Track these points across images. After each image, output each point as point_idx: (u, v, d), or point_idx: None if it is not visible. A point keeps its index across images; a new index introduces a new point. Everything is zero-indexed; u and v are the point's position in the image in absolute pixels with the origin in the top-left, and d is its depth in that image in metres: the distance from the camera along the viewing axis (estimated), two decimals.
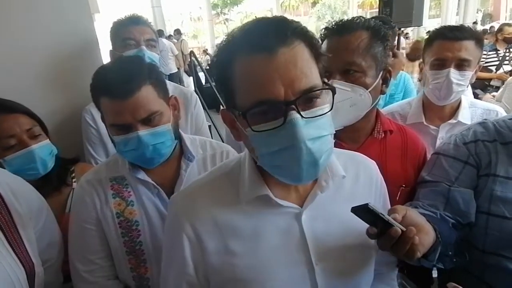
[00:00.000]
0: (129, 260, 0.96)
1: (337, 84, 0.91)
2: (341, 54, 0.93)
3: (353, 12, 19.58)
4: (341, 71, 0.94)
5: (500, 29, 3.92)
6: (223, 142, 1.66)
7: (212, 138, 1.77)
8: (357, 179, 0.78)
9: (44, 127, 1.17)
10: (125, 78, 0.84)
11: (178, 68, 8.12)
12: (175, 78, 7.60)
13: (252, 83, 0.58)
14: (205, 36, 18.25)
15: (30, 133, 1.09)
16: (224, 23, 23.18)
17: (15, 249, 0.78)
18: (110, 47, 1.48)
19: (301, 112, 0.58)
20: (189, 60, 6.18)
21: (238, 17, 22.65)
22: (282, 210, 0.70)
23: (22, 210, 0.83)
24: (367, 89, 0.94)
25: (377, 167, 0.84)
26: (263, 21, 0.60)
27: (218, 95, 4.74)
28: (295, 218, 0.71)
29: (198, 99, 1.68)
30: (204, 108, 1.79)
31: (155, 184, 0.96)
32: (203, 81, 6.89)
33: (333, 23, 0.99)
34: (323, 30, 1.00)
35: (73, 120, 1.46)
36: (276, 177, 0.65)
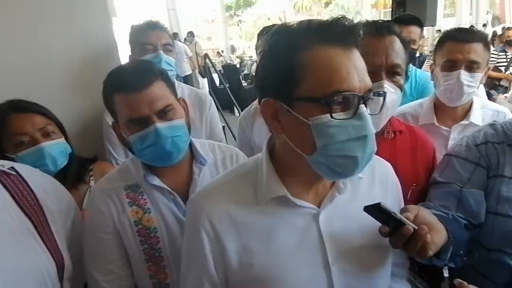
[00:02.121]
0: (149, 267, 0.97)
1: (387, 85, 0.95)
2: (389, 55, 0.96)
3: (366, 12, 19.36)
4: (387, 72, 0.96)
5: (502, 33, 4.04)
6: (236, 141, 1.71)
7: (226, 139, 1.82)
8: (373, 180, 0.80)
9: (60, 126, 1.24)
10: (139, 73, 0.88)
11: (192, 70, 8.24)
12: (190, 80, 7.72)
13: (332, 73, 0.60)
14: (219, 37, 18.40)
15: (43, 132, 1.16)
16: (238, 24, 23.30)
17: (46, 243, 0.83)
18: (128, 51, 1.56)
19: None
20: (204, 61, 6.29)
21: (251, 19, 22.73)
22: (300, 210, 0.71)
23: (53, 206, 0.88)
24: (401, 91, 1.00)
25: (392, 168, 0.85)
26: (343, 19, 0.63)
27: (231, 97, 4.82)
28: (312, 218, 0.72)
29: (212, 101, 1.73)
30: (218, 109, 1.84)
31: (170, 190, 0.97)
32: (217, 83, 6.98)
33: (369, 23, 1.01)
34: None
35: (95, 121, 1.53)
36: (326, 173, 0.65)
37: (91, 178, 1.29)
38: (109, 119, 1.47)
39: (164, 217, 0.97)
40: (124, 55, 1.68)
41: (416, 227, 0.66)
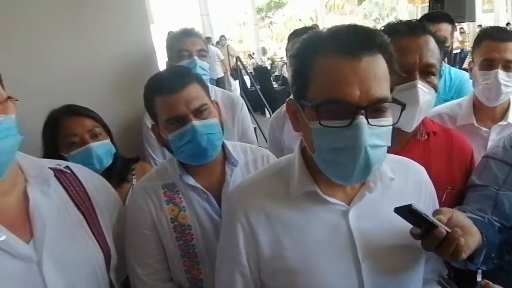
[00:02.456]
0: (184, 263, 1.02)
1: (421, 85, 0.94)
2: (423, 55, 0.94)
3: (402, 8, 18.59)
4: (421, 72, 0.95)
5: None
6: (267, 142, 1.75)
7: (257, 140, 1.87)
8: (405, 182, 0.80)
9: (107, 129, 1.34)
10: (176, 77, 0.96)
11: (224, 73, 8.42)
12: (222, 82, 7.89)
13: (330, 81, 0.62)
14: (250, 40, 18.60)
15: (91, 133, 1.27)
16: (269, 26, 23.38)
17: (96, 235, 0.89)
18: (165, 55, 1.66)
19: (368, 119, 0.61)
20: (235, 64, 6.41)
21: (281, 20, 22.69)
22: (330, 206, 0.73)
23: (101, 202, 0.95)
24: (436, 92, 0.97)
25: (425, 171, 0.84)
26: (354, 27, 0.64)
27: (263, 99, 4.86)
28: (342, 215, 0.74)
29: (244, 103, 1.78)
30: (249, 111, 1.89)
31: (204, 189, 1.01)
32: (248, 85, 7.07)
33: (402, 23, 0.99)
34: (384, 29, 1.00)
35: (136, 124, 1.64)
36: (327, 173, 0.69)
37: (133, 177, 1.39)
38: (149, 122, 1.57)
39: (198, 215, 1.02)
40: (161, 60, 1.79)
41: (449, 230, 0.65)
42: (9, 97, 0.75)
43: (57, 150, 1.26)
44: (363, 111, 0.61)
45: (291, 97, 0.73)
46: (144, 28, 1.69)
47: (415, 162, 0.85)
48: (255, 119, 4.20)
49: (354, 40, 0.62)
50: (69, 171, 0.92)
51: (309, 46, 0.67)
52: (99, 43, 1.57)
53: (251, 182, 0.82)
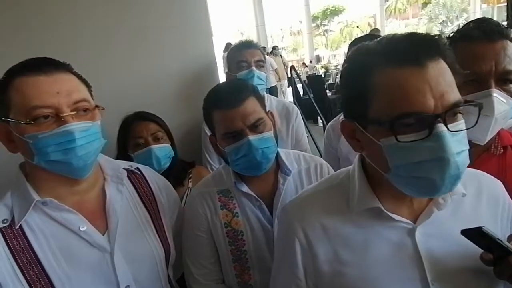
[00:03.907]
0: (235, 267, 1.04)
1: (497, 94, 0.87)
2: (500, 62, 0.87)
3: (475, 9, 16.96)
4: (498, 80, 0.88)
5: None
6: (319, 152, 1.72)
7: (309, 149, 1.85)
8: (479, 198, 0.73)
9: (169, 133, 1.45)
10: (234, 92, 0.98)
11: (277, 81, 8.51)
12: (275, 90, 7.98)
13: (400, 94, 0.59)
14: (304, 48, 18.58)
15: (154, 136, 1.39)
16: (324, 34, 23.12)
17: (158, 232, 0.96)
18: (223, 67, 1.74)
19: (448, 125, 0.58)
20: (290, 73, 6.45)
21: (338, 27, 22.27)
22: (394, 224, 0.69)
23: (165, 202, 1.02)
24: None
25: (503, 186, 0.77)
26: (411, 35, 0.62)
27: (316, 107, 4.81)
28: (407, 234, 0.69)
29: (298, 112, 1.78)
30: (302, 119, 1.88)
31: (257, 197, 1.03)
32: (301, 93, 7.04)
33: (476, 27, 0.92)
34: (454, 34, 0.94)
35: (197, 131, 1.74)
36: (407, 191, 0.64)
37: (190, 180, 1.47)
38: (207, 129, 1.65)
39: (250, 222, 1.04)
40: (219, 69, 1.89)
41: None
42: (96, 106, 0.85)
43: (126, 150, 1.40)
44: (440, 119, 0.57)
45: (346, 118, 0.69)
46: (207, 42, 1.80)
47: (490, 176, 0.77)
48: (307, 128, 4.16)
49: (415, 48, 0.59)
50: (138, 172, 1.01)
51: (362, 62, 0.64)
52: (167, 57, 1.71)
53: (309, 195, 0.80)
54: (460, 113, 0.61)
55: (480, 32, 0.88)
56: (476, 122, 0.61)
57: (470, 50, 0.87)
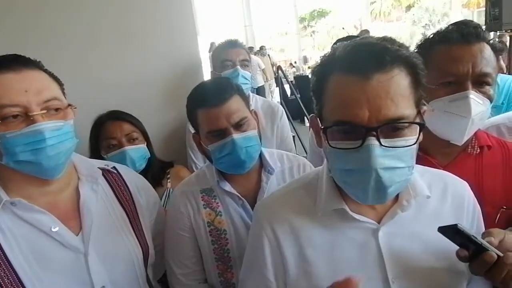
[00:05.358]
0: (218, 266, 1.04)
1: (474, 96, 0.89)
2: (477, 64, 0.89)
3: (456, 13, 17.47)
4: (475, 82, 0.90)
5: None
6: (305, 152, 1.74)
7: (295, 148, 1.87)
8: (444, 199, 0.75)
9: (144, 134, 1.41)
10: (218, 90, 0.98)
11: (264, 81, 8.52)
12: (262, 90, 7.99)
13: (340, 102, 0.61)
14: (292, 49, 18.70)
15: (128, 137, 1.35)
16: (311, 35, 23.32)
17: (136, 233, 0.94)
18: (208, 65, 1.73)
19: (381, 140, 0.59)
20: (276, 73, 6.49)
21: (325, 29, 22.51)
22: (359, 224, 0.71)
23: (142, 201, 1.00)
24: (491, 103, 0.91)
25: (469, 187, 0.78)
26: (366, 44, 0.62)
27: (302, 107, 4.85)
28: (371, 234, 0.71)
29: (283, 111, 1.80)
30: (288, 119, 1.89)
31: (240, 196, 1.04)
32: (289, 93, 7.08)
33: (455, 30, 0.93)
34: (433, 36, 0.95)
35: (181, 130, 1.72)
36: (345, 192, 0.68)
37: (168, 180, 1.45)
38: (192, 128, 1.65)
39: (233, 221, 1.04)
40: (205, 69, 1.88)
41: (501, 254, 0.60)
42: (69, 105, 0.82)
43: (99, 151, 1.36)
44: (374, 132, 0.58)
45: (313, 114, 0.73)
46: (192, 41, 1.79)
47: (455, 177, 0.79)
48: (294, 128, 4.19)
49: (365, 59, 0.59)
50: (115, 171, 0.98)
51: (325, 64, 0.66)
52: (151, 56, 1.69)
53: (279, 195, 0.81)
54: (400, 129, 0.60)
55: (458, 35, 0.90)
56: (416, 141, 0.62)
57: (448, 52, 0.89)
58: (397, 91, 0.59)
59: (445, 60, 0.89)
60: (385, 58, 0.59)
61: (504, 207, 0.93)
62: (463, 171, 0.82)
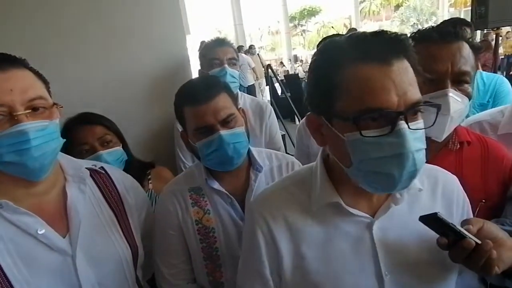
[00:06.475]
0: (206, 265, 1.04)
1: (453, 94, 0.91)
2: (456, 62, 0.91)
3: (443, 12, 17.78)
4: (454, 80, 0.92)
5: None
6: None
7: (285, 147, 1.88)
8: (435, 193, 0.77)
9: (119, 135, 1.32)
10: (205, 87, 0.99)
11: (255, 80, 8.52)
12: (253, 89, 7.99)
13: (366, 90, 0.60)
14: (282, 48, 18.72)
15: (101, 141, 1.26)
16: (301, 34, 23.39)
17: (125, 233, 0.93)
18: (197, 64, 1.73)
19: (408, 123, 0.60)
20: (266, 71, 6.49)
21: (315, 28, 22.61)
22: (353, 218, 0.71)
23: (131, 201, 1.00)
24: (469, 100, 0.94)
25: (458, 181, 0.81)
26: (380, 33, 0.63)
27: (293, 106, 4.88)
28: (366, 227, 0.72)
29: (272, 110, 1.81)
30: (278, 118, 1.90)
31: (228, 194, 1.04)
32: (279, 92, 7.09)
33: (434, 29, 0.96)
34: (414, 35, 0.97)
35: (169, 128, 1.71)
36: (366, 185, 0.66)
37: (150, 182, 1.41)
38: (180, 127, 1.64)
39: (221, 219, 1.04)
40: (194, 68, 1.87)
41: (478, 242, 0.62)
42: (54, 104, 0.81)
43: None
44: (402, 116, 0.59)
45: (311, 112, 0.71)
46: (180, 39, 1.78)
47: (446, 171, 0.82)
48: (284, 126, 4.20)
49: (382, 46, 0.61)
50: (103, 172, 0.98)
51: (330, 57, 0.65)
52: (137, 54, 1.67)
53: (273, 191, 0.81)
54: (420, 111, 0.63)
55: (436, 34, 0.93)
56: (434, 122, 0.64)
57: (427, 51, 0.91)
58: (413, 77, 0.62)
59: (425, 58, 0.90)
60: (401, 47, 0.62)
61: (483, 201, 0.96)
62: (444, 166, 0.85)
